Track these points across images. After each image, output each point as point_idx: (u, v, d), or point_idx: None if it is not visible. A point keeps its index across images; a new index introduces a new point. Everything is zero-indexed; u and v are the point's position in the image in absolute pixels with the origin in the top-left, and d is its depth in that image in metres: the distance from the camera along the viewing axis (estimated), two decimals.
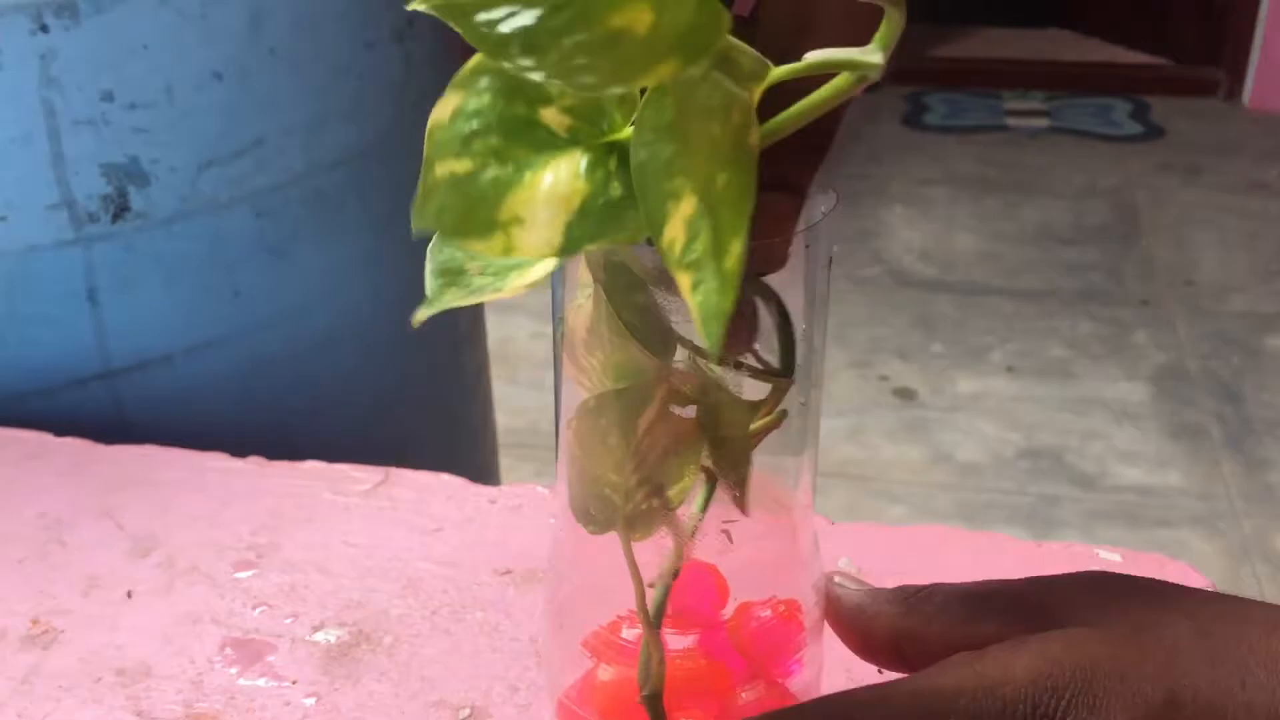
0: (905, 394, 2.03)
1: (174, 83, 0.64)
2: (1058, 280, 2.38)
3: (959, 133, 3.16)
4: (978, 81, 3.47)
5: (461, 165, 0.23)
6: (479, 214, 0.23)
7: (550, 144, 0.24)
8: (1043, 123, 3.20)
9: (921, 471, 1.85)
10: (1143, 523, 1.73)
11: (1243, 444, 1.89)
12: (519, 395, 1.89)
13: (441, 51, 0.81)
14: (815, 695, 0.37)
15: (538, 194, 0.23)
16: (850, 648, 0.35)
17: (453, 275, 0.25)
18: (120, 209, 0.65)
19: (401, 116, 0.77)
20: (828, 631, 0.37)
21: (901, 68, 3.50)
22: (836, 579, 0.36)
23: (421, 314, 0.24)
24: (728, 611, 0.34)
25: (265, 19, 0.66)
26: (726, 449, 0.29)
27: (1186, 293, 2.33)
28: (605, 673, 0.35)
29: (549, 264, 0.24)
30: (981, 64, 3.55)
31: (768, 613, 0.34)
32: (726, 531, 0.33)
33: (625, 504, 0.31)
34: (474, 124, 0.23)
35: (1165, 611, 0.31)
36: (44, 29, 0.59)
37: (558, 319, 0.32)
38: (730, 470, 0.30)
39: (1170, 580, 0.50)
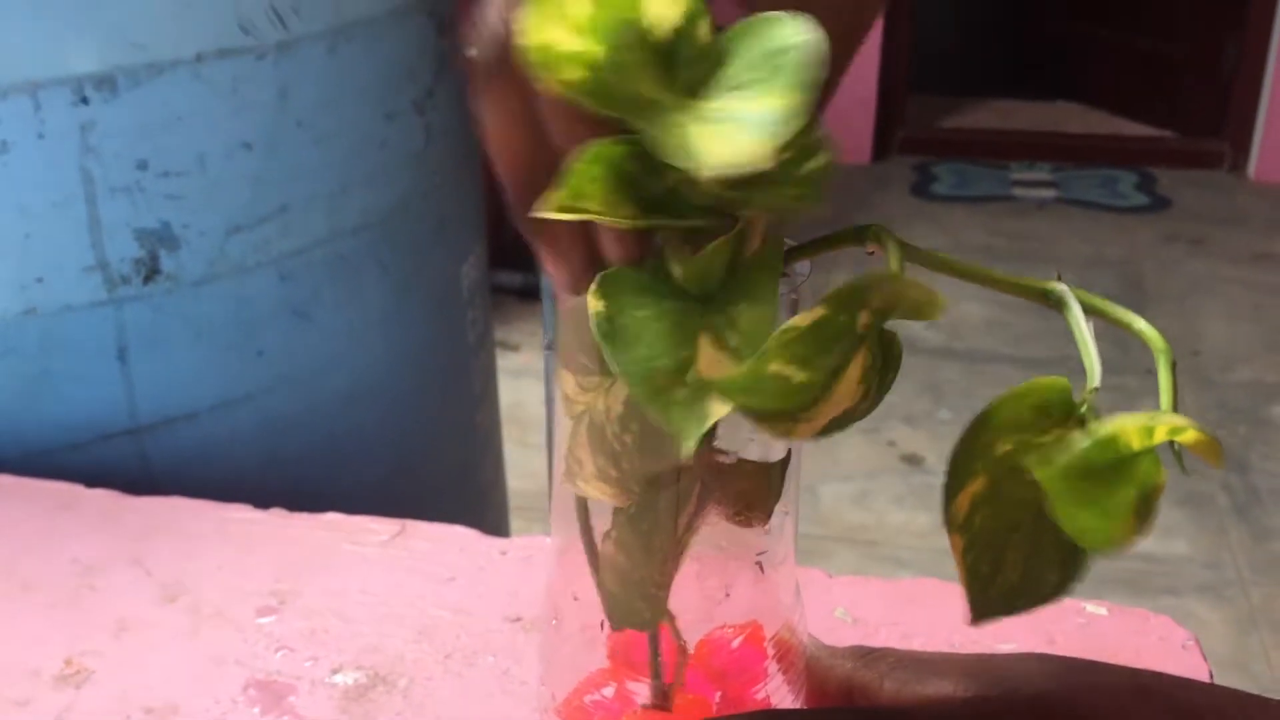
0: (913, 460, 2.04)
1: (206, 152, 0.67)
2: (1064, 348, 2.39)
3: (967, 202, 3.20)
4: (986, 152, 3.52)
5: (795, 374, 0.25)
6: (786, 409, 0.26)
7: (856, 344, 0.26)
8: (1050, 193, 3.25)
9: (929, 537, 1.86)
10: (1148, 590, 1.73)
11: (1249, 513, 1.90)
12: (530, 459, 1.91)
13: (459, 121, 0.85)
14: None
15: (831, 405, 0.26)
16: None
17: (660, 388, 0.27)
18: (151, 271, 0.68)
19: (420, 183, 0.81)
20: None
21: (911, 138, 3.56)
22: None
23: (689, 447, 0.26)
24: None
25: (293, 93, 0.70)
26: (753, 497, 0.32)
27: (1193, 362, 2.36)
28: None
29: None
30: (989, 135, 3.60)
31: (738, 641, 0.36)
32: (759, 563, 0.35)
33: (668, 597, 0.33)
34: (817, 342, 0.25)
35: (1101, 690, 0.34)
36: (84, 101, 0.63)
37: (552, 386, 0.34)
38: (760, 507, 0.32)
39: (1153, 637, 0.52)
